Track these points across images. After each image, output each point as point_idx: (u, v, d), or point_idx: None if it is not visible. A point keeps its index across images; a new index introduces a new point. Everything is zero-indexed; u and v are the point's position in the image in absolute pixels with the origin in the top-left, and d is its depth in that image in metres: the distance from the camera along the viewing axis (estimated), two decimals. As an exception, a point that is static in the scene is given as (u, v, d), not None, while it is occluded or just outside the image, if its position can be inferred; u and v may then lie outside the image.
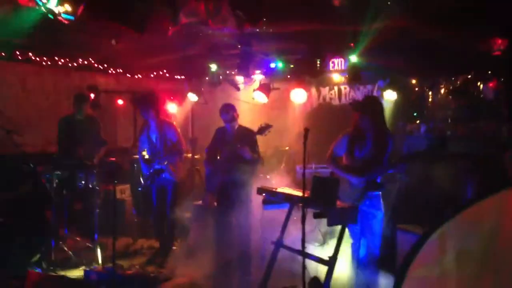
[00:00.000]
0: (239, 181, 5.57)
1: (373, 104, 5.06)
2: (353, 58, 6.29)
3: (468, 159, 5.33)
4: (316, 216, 4.36)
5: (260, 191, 5.20)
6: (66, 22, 3.56)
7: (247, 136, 5.58)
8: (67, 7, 3.51)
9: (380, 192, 4.96)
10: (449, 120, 7.08)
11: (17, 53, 6.57)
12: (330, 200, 4.32)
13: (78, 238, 6.44)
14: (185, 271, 5.62)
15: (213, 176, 5.80)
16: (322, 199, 4.33)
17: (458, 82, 7.30)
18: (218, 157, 5.90)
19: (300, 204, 4.44)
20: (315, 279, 3.20)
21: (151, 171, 6.03)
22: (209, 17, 4.28)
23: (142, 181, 6.27)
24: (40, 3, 3.47)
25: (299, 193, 4.77)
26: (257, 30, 5.76)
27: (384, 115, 5.04)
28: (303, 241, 4.07)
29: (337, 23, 5.34)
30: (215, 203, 5.90)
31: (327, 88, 8.35)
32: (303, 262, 4.07)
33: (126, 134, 8.49)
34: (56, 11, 3.50)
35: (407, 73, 6.99)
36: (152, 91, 6.93)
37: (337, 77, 7.87)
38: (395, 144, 4.91)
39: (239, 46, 6.32)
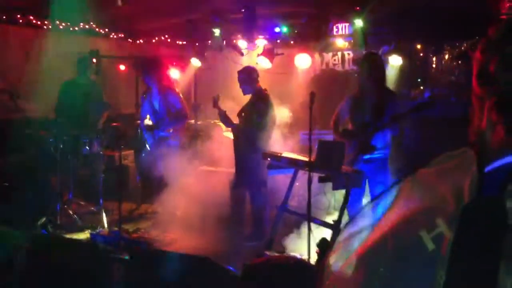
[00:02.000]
0: (251, 146, 5.57)
1: (374, 58, 5.08)
2: (359, 23, 6.21)
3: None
4: (321, 180, 4.41)
5: (265, 155, 5.23)
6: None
7: (256, 102, 5.57)
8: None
9: (385, 156, 4.97)
10: (453, 86, 7.06)
11: (18, 16, 6.48)
12: (336, 164, 4.35)
13: (82, 203, 6.50)
14: (190, 236, 5.69)
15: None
16: (327, 164, 4.36)
17: (463, 48, 7.25)
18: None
19: (306, 169, 4.48)
20: (324, 239, 3.25)
21: (156, 138, 6.04)
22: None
23: (148, 147, 6.28)
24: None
25: (304, 158, 4.80)
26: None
27: (385, 73, 5.04)
28: (309, 205, 4.12)
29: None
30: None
31: (330, 54, 8.27)
32: (308, 226, 4.13)
33: (128, 100, 8.42)
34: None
35: (412, 38, 6.91)
36: (155, 56, 6.86)
37: (340, 42, 7.76)
38: (400, 106, 4.87)
39: (243, 10, 6.23)
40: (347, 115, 5.03)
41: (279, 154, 5.07)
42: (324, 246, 3.12)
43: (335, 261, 1.48)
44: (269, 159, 5.14)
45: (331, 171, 4.31)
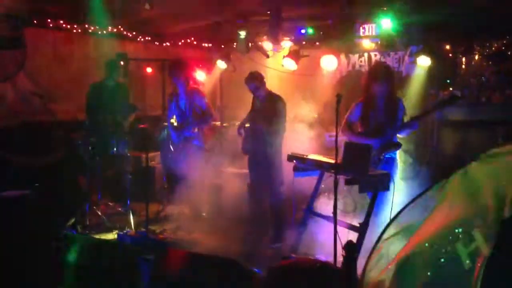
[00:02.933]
0: (264, 149, 5.60)
1: (390, 71, 5.28)
2: (387, 23, 6.14)
3: (506, 125, 5.23)
4: (348, 182, 4.37)
5: (290, 157, 5.21)
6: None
7: (273, 104, 5.58)
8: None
9: (395, 157, 5.02)
10: (483, 87, 6.92)
11: (49, 20, 6.61)
12: (362, 167, 4.30)
13: (110, 204, 6.60)
14: (215, 237, 5.72)
15: (245, 141, 5.88)
16: (354, 166, 4.32)
17: (493, 48, 7.09)
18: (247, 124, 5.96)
19: (332, 171, 4.44)
20: (351, 242, 3.22)
21: (181, 138, 6.09)
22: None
23: (172, 149, 6.33)
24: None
25: (330, 160, 4.77)
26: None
27: (394, 81, 5.18)
28: (335, 207, 4.08)
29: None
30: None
31: (356, 55, 8.19)
32: (335, 228, 4.09)
33: (154, 102, 8.53)
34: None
35: (441, 38, 6.80)
36: (182, 58, 6.92)
37: (367, 43, 7.69)
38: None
39: (269, 12, 6.24)
40: (357, 120, 5.20)
41: (304, 156, 5.05)
42: (351, 249, 3.09)
43: (373, 267, 1.47)
44: (294, 161, 5.12)
45: (358, 173, 4.26)
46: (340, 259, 4.18)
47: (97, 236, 5.61)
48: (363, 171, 4.29)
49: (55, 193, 5.97)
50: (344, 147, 4.46)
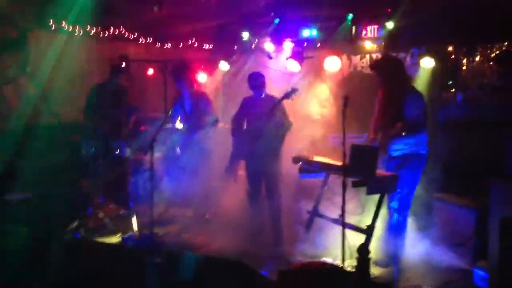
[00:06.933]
0: (269, 149, 5.57)
1: (384, 62, 5.22)
2: (390, 25, 6.14)
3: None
4: (355, 185, 4.35)
5: (296, 160, 5.20)
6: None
7: (273, 104, 5.56)
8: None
9: (407, 152, 4.87)
10: (486, 88, 6.91)
11: (50, 22, 6.57)
12: (370, 168, 4.29)
13: (113, 206, 6.55)
14: (218, 239, 5.69)
15: (241, 145, 5.81)
16: (361, 168, 4.31)
17: (495, 49, 7.09)
18: (245, 127, 5.90)
19: (339, 173, 4.43)
20: (364, 245, 3.21)
21: (186, 141, 6.06)
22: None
23: (178, 151, 6.30)
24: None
25: (336, 162, 4.76)
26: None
27: (400, 74, 5.04)
28: (343, 210, 4.07)
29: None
30: (244, 172, 5.94)
31: (358, 57, 8.18)
32: (343, 231, 4.07)
33: (156, 104, 8.50)
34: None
35: (443, 40, 6.79)
36: (186, 60, 6.90)
37: (368, 45, 7.68)
38: (419, 102, 4.87)
39: (272, 14, 6.22)
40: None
41: (310, 158, 5.04)
42: (365, 252, 3.08)
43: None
44: (300, 163, 5.11)
45: (366, 175, 4.25)
46: (348, 261, 4.19)
47: (101, 239, 5.59)
48: (370, 173, 4.28)
49: (57, 196, 5.95)
50: (351, 149, 4.44)
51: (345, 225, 4.11)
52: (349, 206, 5.14)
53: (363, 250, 3.10)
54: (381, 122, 5.01)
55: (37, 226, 4.82)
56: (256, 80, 5.67)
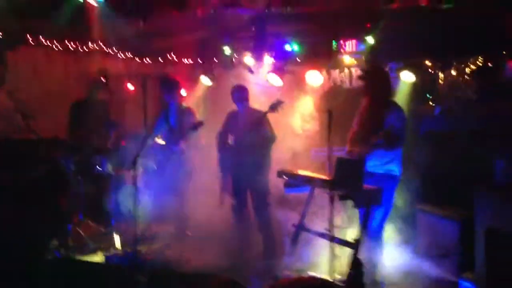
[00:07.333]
0: (255, 163, 5.58)
1: (375, 71, 5.28)
2: (370, 40, 6.24)
3: (495, 138, 5.31)
4: (342, 198, 4.35)
5: (280, 174, 5.17)
6: (95, 5, 3.49)
7: (259, 117, 5.58)
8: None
9: (386, 173, 4.93)
10: (462, 101, 7.06)
11: (28, 37, 6.48)
12: (356, 182, 4.30)
13: (92, 224, 6.41)
14: (202, 255, 5.63)
15: (226, 160, 5.80)
16: (347, 182, 4.31)
17: (470, 64, 7.26)
18: (230, 141, 5.90)
19: (325, 187, 4.44)
20: (356, 259, 3.20)
21: (168, 154, 6.03)
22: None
23: (155, 166, 6.25)
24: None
25: (321, 176, 4.76)
26: (273, 11, 5.70)
27: (388, 84, 5.12)
28: (331, 224, 4.07)
29: (356, 3, 5.30)
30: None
31: (337, 71, 8.27)
32: (331, 245, 4.07)
33: (135, 119, 8.40)
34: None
35: (420, 55, 6.93)
36: (173, 75, 6.92)
37: (347, 59, 7.78)
38: (400, 115, 4.92)
39: (253, 29, 6.26)
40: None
41: (295, 172, 5.03)
42: (358, 265, 3.07)
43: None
44: (284, 177, 5.09)
45: (352, 189, 4.26)
46: (336, 276, 4.19)
47: (83, 258, 5.46)
48: (357, 186, 4.29)
49: (35, 213, 5.80)
50: (336, 163, 4.44)
51: (333, 239, 4.10)
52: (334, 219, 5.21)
53: (356, 263, 3.09)
54: (360, 134, 5.06)
55: (16, 245, 4.68)
56: (241, 93, 5.71)
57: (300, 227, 5.07)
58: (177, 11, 4.10)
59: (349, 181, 4.29)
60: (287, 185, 5.09)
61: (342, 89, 8.06)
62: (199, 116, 6.64)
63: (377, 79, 5.07)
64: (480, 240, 3.85)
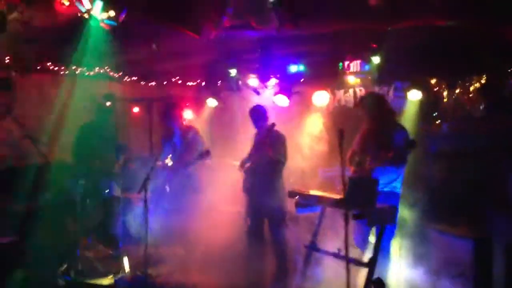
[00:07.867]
0: (268, 185, 5.57)
1: (367, 99, 5.47)
2: (376, 60, 6.28)
3: (506, 154, 5.32)
4: (355, 217, 4.33)
5: (291, 194, 5.17)
6: (107, 28, 3.54)
7: (276, 138, 5.59)
8: (111, 13, 3.49)
9: (396, 191, 4.96)
10: (467, 119, 7.08)
11: (35, 63, 6.53)
12: (370, 200, 4.30)
13: (101, 247, 6.38)
14: (215, 278, 5.58)
15: (244, 180, 5.83)
16: (360, 201, 4.30)
17: (473, 82, 7.30)
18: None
19: (337, 207, 4.43)
20: (379, 280, 3.17)
21: (177, 177, 6.02)
22: (253, 15, 4.25)
23: (167, 188, 6.23)
24: (84, 10, 3.43)
25: (332, 195, 4.75)
26: (279, 32, 5.73)
27: (383, 108, 5.25)
28: (347, 244, 4.03)
29: (362, 23, 5.35)
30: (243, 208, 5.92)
31: (342, 91, 8.31)
32: (347, 265, 4.02)
33: (141, 142, 8.44)
34: (100, 18, 3.48)
35: (426, 74, 6.98)
36: (174, 100, 6.97)
37: (352, 79, 7.83)
38: (405, 135, 4.99)
39: (260, 50, 6.30)
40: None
41: (307, 192, 5.03)
42: (381, 286, 3.04)
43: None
44: (297, 197, 5.08)
45: (366, 208, 4.25)
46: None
47: (93, 282, 5.41)
48: (370, 204, 4.28)
49: (44, 238, 5.76)
50: (349, 182, 4.44)
51: (348, 260, 4.06)
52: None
53: (379, 284, 3.06)
54: (361, 155, 5.09)
55: (28, 270, 4.64)
56: (256, 113, 5.73)
57: (312, 248, 5.04)
58: (192, 35, 4.13)
59: (362, 200, 4.28)
60: (299, 205, 5.08)
61: (347, 109, 8.10)
62: (205, 137, 6.64)
63: (371, 105, 5.25)
64: (499, 258, 3.81)
